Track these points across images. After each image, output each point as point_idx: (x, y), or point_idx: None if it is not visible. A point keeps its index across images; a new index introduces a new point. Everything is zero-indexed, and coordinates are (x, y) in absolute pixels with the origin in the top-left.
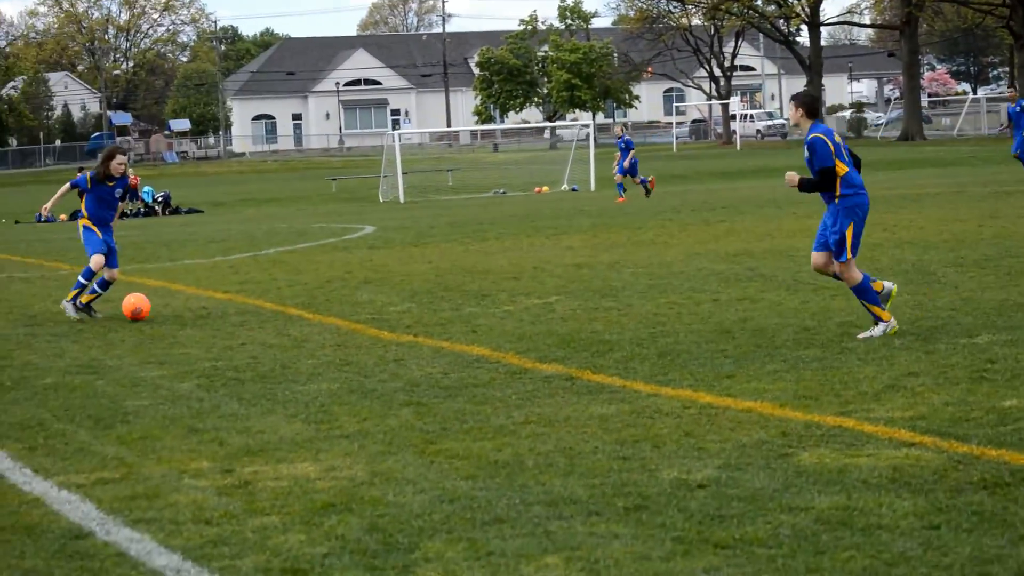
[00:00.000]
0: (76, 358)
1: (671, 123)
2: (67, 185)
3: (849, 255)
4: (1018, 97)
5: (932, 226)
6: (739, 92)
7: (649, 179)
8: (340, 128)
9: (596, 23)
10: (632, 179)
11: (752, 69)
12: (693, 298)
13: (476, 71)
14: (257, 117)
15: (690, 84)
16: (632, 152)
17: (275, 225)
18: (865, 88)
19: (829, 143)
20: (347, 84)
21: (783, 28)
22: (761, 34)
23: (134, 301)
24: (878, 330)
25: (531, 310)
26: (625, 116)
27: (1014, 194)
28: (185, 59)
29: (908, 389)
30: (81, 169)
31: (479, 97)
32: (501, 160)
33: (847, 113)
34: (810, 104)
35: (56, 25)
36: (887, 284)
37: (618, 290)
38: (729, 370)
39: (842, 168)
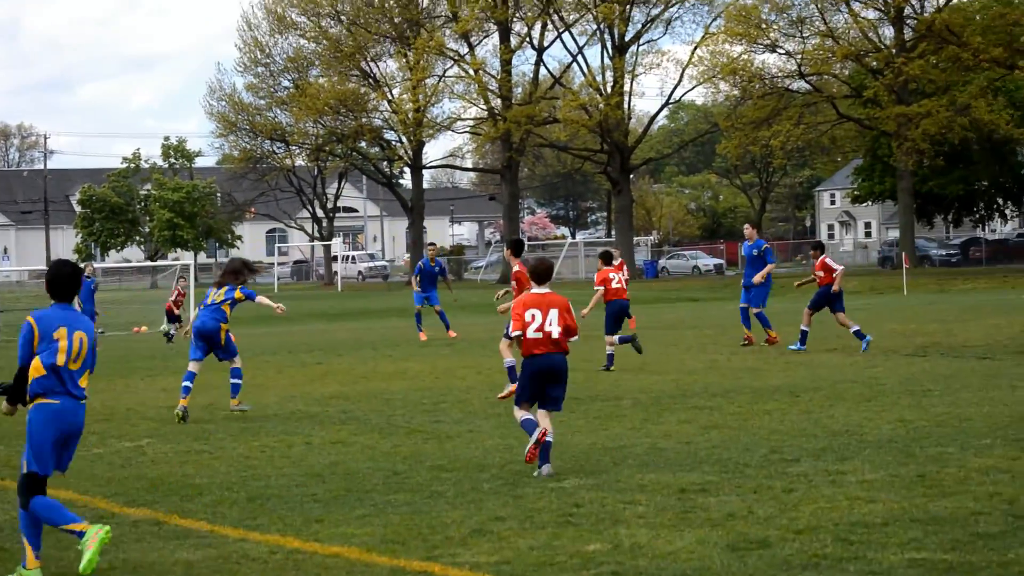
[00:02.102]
0: None
1: (273, 263)
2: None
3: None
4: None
5: None
6: (342, 233)
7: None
8: None
9: (200, 162)
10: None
11: (355, 211)
12: (286, 441)
13: (78, 208)
14: None
15: (293, 225)
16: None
17: None
18: (466, 231)
19: (36, 329)
20: None
21: (386, 170)
22: (364, 176)
23: None
24: None
25: (122, 453)
26: (227, 255)
27: (599, 338)
28: None
29: (494, 533)
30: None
31: (80, 235)
32: (101, 299)
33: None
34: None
35: None
36: None
37: (210, 433)
38: (318, 514)
39: (37, 369)
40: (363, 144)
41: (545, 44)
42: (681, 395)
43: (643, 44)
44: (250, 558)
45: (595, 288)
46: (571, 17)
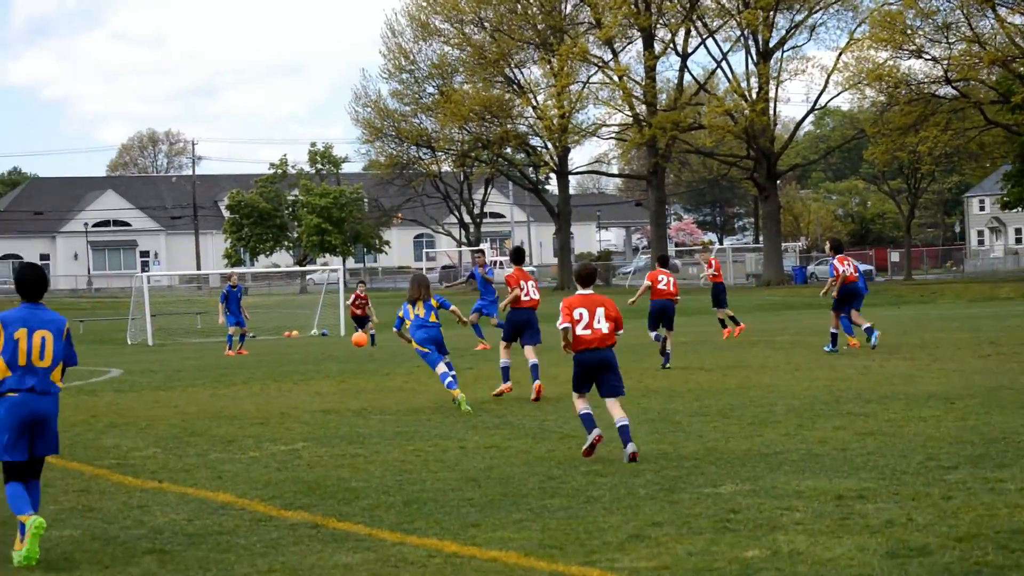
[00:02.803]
0: None
1: (421, 269)
2: None
3: None
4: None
5: (677, 375)
6: (489, 239)
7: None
8: (89, 269)
9: (347, 168)
10: None
11: (502, 216)
12: (440, 445)
13: (226, 214)
14: (3, 257)
15: (440, 230)
16: None
17: None
18: (613, 236)
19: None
20: (96, 225)
21: (532, 176)
22: (510, 182)
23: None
24: None
25: (277, 456)
26: (376, 261)
27: (758, 344)
28: None
29: (652, 539)
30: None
31: (229, 240)
32: (251, 303)
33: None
34: None
35: None
36: None
37: (365, 437)
38: (475, 519)
39: (2, 371)
40: (508, 150)
41: (689, 50)
42: (834, 401)
43: (787, 50)
44: (408, 561)
45: (644, 284)
46: (714, 23)
